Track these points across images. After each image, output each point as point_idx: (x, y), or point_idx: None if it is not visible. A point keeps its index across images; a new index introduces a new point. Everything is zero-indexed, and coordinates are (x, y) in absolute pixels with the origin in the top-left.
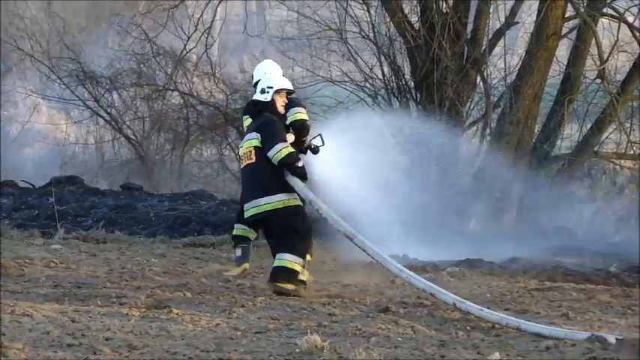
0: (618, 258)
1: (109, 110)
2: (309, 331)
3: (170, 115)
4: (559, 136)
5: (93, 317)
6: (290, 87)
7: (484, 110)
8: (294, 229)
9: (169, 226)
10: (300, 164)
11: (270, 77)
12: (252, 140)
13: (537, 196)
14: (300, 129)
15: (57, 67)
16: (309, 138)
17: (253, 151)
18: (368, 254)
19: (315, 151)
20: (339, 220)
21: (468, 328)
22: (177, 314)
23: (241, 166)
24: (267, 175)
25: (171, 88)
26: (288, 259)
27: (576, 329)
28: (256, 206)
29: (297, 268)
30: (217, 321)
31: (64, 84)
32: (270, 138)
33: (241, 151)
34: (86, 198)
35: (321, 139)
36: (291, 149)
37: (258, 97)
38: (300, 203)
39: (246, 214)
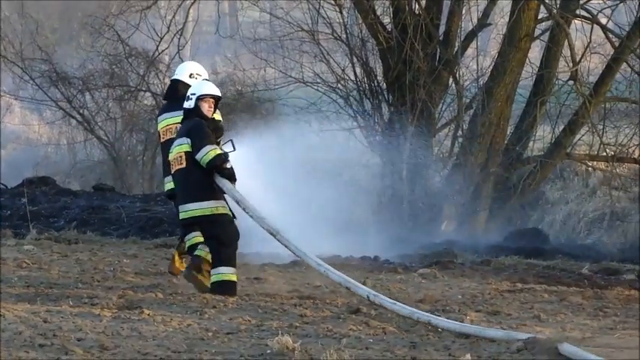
0: (590, 260)
1: (81, 111)
2: (280, 332)
3: (142, 116)
4: (531, 138)
5: (65, 318)
6: (213, 92)
7: (456, 112)
8: (218, 238)
9: (141, 227)
10: (228, 166)
11: (195, 85)
12: (183, 145)
13: (509, 197)
14: (215, 129)
15: (30, 68)
16: (221, 142)
17: (184, 156)
18: (290, 250)
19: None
20: (264, 218)
21: (439, 329)
22: (148, 315)
23: (172, 171)
24: (198, 180)
25: (144, 89)
26: (222, 272)
27: (548, 331)
28: (185, 211)
29: (233, 278)
30: (189, 322)
31: (37, 85)
32: (199, 141)
33: (171, 157)
34: (58, 199)
35: (232, 144)
36: (219, 151)
37: (185, 104)
38: (227, 212)
39: (180, 217)
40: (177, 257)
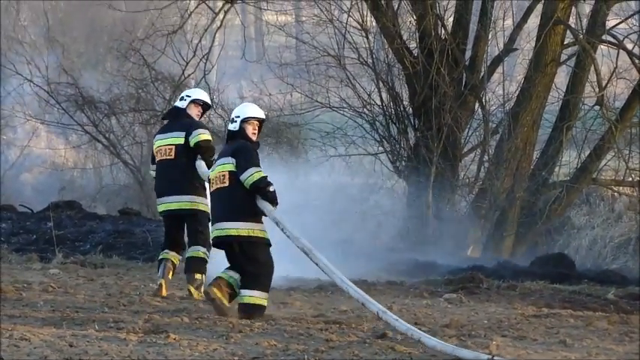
0: (616, 285)
1: (107, 135)
2: (306, 356)
3: None
4: (557, 163)
5: (90, 342)
6: (258, 115)
7: (482, 136)
8: (257, 260)
9: None
10: (271, 189)
11: (240, 107)
12: (227, 165)
13: (535, 222)
14: (206, 149)
15: (56, 92)
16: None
17: (227, 175)
18: (320, 268)
19: None
20: (299, 237)
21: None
22: (174, 339)
23: (211, 189)
24: (239, 200)
25: None
26: (255, 295)
27: (574, 357)
28: (220, 229)
29: (264, 303)
30: (215, 346)
31: (63, 109)
32: (244, 162)
33: (212, 175)
34: (84, 223)
35: None
36: (264, 174)
37: (230, 126)
38: (266, 236)
39: (212, 235)
40: (165, 284)
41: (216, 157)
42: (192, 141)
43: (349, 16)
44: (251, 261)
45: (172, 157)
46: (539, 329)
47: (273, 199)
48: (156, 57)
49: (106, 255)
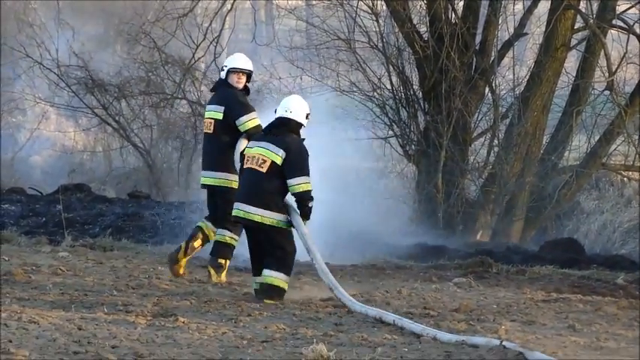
0: (625, 270)
1: (117, 118)
2: (315, 340)
3: (178, 124)
4: (567, 148)
5: (99, 325)
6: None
7: (492, 121)
8: (282, 247)
9: (176, 235)
10: (310, 204)
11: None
12: (273, 154)
13: (544, 207)
14: (255, 133)
15: (66, 75)
16: None
17: (268, 163)
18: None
19: None
20: (318, 256)
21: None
22: (183, 322)
23: (245, 165)
24: (272, 190)
25: (180, 96)
26: (280, 278)
27: (583, 342)
28: (243, 211)
29: (285, 286)
30: (223, 330)
31: (73, 92)
32: (297, 168)
33: (249, 152)
34: (94, 206)
35: None
36: (311, 187)
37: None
38: (289, 225)
39: (233, 213)
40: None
41: None
42: (241, 128)
43: None
44: (276, 248)
45: (211, 131)
46: (548, 314)
47: (307, 215)
48: (166, 40)
49: (115, 238)
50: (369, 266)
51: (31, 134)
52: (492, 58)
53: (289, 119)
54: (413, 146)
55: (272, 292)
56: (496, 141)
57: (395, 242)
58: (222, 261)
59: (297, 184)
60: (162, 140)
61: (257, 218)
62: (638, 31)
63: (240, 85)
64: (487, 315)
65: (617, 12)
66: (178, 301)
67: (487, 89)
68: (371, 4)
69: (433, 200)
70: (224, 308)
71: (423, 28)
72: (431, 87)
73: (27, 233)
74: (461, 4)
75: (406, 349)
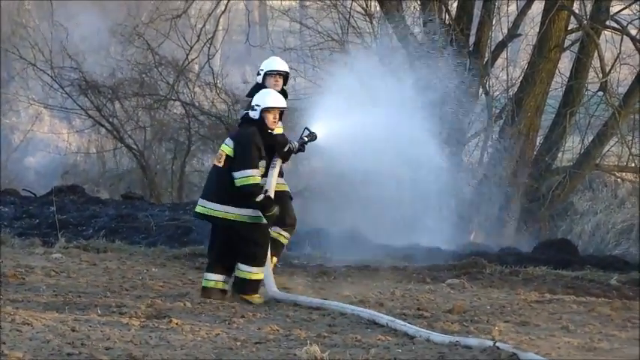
0: (619, 271)
1: (110, 120)
2: (308, 341)
3: (172, 125)
4: (560, 149)
5: (93, 326)
6: (279, 105)
7: (486, 122)
8: (252, 240)
9: (170, 236)
10: (259, 199)
11: (261, 94)
12: (226, 147)
13: (538, 208)
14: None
15: (59, 76)
16: (299, 136)
17: (224, 157)
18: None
19: (312, 138)
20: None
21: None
22: (177, 324)
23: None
24: (228, 185)
25: (173, 97)
26: (253, 272)
27: (576, 342)
28: (204, 207)
29: (261, 276)
30: (217, 331)
31: (67, 93)
32: (239, 159)
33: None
34: (87, 207)
35: (308, 131)
36: (255, 180)
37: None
38: (258, 219)
39: (195, 209)
40: None
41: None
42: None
43: (353, 0)
44: (246, 241)
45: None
46: (541, 315)
47: (262, 209)
48: (160, 41)
49: (109, 239)
50: (363, 267)
51: (24, 136)
52: (486, 59)
53: (247, 113)
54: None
55: (248, 287)
56: (489, 142)
57: (389, 243)
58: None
59: (238, 177)
60: (156, 142)
61: (219, 214)
62: (631, 32)
63: (278, 87)
64: (481, 316)
65: (611, 13)
66: (172, 303)
67: (481, 90)
68: (365, 6)
69: (427, 201)
70: (217, 310)
71: (416, 29)
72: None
73: (20, 235)
74: (454, 5)
75: (400, 351)
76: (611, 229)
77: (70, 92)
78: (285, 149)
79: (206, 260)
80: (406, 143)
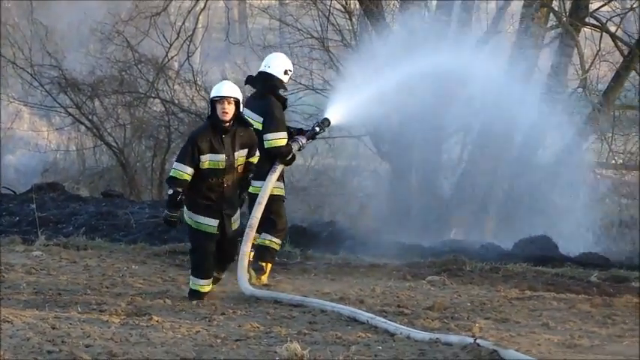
0: (599, 267)
1: (90, 117)
2: (289, 339)
3: (151, 123)
4: (541, 145)
5: (73, 324)
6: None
7: (465, 119)
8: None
9: (150, 234)
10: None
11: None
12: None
13: (518, 204)
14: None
15: (39, 74)
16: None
17: None
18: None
19: (322, 128)
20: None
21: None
22: (157, 321)
23: None
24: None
25: (153, 95)
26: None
27: (556, 339)
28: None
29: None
30: (197, 328)
31: (46, 91)
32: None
33: None
34: (67, 205)
35: (322, 121)
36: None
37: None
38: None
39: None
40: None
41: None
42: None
43: None
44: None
45: None
46: (522, 312)
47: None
48: (139, 39)
49: (89, 237)
50: (343, 264)
51: (4, 134)
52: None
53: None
54: (386, 144)
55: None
56: (469, 139)
57: (369, 240)
58: (263, 264)
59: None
60: (136, 139)
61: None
62: (611, 29)
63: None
64: (461, 313)
65: (591, 10)
66: (152, 300)
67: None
68: (344, 3)
69: (407, 198)
70: (198, 307)
71: (396, 27)
72: None
73: (0, 232)
74: (434, 2)
75: (380, 348)
76: (591, 226)
77: (49, 90)
78: (289, 157)
79: (186, 257)
80: None
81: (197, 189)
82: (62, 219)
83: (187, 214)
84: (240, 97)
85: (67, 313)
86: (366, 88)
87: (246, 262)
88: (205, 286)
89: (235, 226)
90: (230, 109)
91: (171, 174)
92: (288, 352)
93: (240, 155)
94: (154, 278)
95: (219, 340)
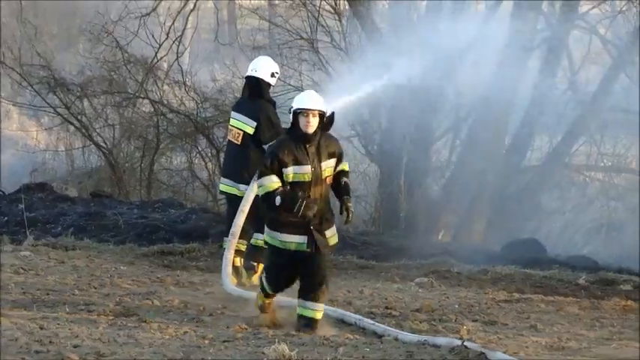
0: (587, 270)
1: (79, 117)
2: (277, 340)
3: (140, 123)
4: (529, 147)
5: (61, 324)
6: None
7: (454, 120)
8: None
9: (138, 234)
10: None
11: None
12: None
13: (506, 207)
14: None
15: (28, 74)
16: None
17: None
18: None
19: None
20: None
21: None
22: (145, 322)
23: None
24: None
25: (142, 96)
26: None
27: (544, 342)
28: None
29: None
30: (185, 329)
31: (35, 91)
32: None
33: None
34: (56, 205)
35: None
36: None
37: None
38: None
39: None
40: None
41: None
42: None
43: None
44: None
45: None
46: (510, 314)
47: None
48: (129, 39)
49: (78, 237)
50: (331, 266)
51: None
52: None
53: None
54: (375, 146)
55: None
56: (458, 140)
57: (357, 242)
58: (255, 263)
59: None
60: (125, 140)
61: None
62: (600, 31)
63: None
64: (449, 315)
65: (580, 12)
66: (140, 301)
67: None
68: (334, 4)
69: (395, 200)
70: (186, 308)
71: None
72: None
73: None
74: (424, 3)
75: (368, 349)
76: (579, 229)
77: (38, 90)
78: None
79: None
80: None
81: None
82: (51, 219)
83: (268, 234)
84: (325, 109)
85: (55, 314)
86: (356, 88)
87: (230, 269)
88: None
89: (332, 241)
90: (314, 122)
91: (261, 193)
92: (276, 354)
93: (328, 166)
94: (142, 279)
95: (206, 341)
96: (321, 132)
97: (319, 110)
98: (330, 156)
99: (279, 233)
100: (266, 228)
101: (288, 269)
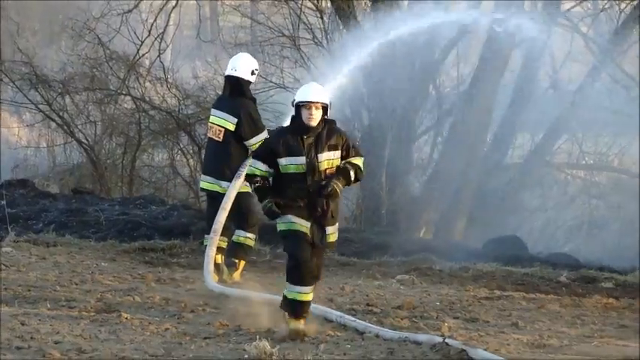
0: (568, 268)
1: (61, 114)
2: (258, 336)
3: (122, 120)
4: (511, 145)
5: (42, 320)
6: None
7: (436, 118)
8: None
9: (120, 231)
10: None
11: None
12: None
13: (488, 204)
14: None
15: (10, 71)
16: None
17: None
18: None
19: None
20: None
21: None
22: (126, 318)
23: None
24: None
25: (124, 92)
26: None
27: (526, 339)
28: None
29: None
30: (166, 326)
31: (17, 87)
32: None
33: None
34: (37, 201)
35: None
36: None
37: None
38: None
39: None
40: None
41: None
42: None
43: None
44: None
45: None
46: (491, 311)
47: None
48: (111, 36)
49: (59, 234)
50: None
51: None
52: (436, 56)
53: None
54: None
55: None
56: (440, 138)
57: (338, 238)
58: (236, 260)
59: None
60: (107, 136)
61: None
62: (582, 29)
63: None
64: (430, 312)
65: (562, 10)
66: (121, 297)
67: (431, 86)
68: (315, 2)
69: (377, 197)
70: (167, 304)
71: (367, 25)
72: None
73: None
74: (406, 2)
75: (349, 346)
76: (560, 226)
77: (20, 86)
78: None
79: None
80: None
81: (284, 194)
82: (32, 215)
83: (281, 220)
84: (328, 102)
85: (36, 310)
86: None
87: (212, 267)
88: (305, 294)
89: (332, 238)
90: (317, 115)
91: (247, 172)
92: (257, 350)
93: (328, 158)
94: (123, 275)
95: (187, 338)
96: (326, 124)
97: (322, 103)
98: (332, 148)
99: (289, 216)
100: (278, 220)
101: (307, 240)
